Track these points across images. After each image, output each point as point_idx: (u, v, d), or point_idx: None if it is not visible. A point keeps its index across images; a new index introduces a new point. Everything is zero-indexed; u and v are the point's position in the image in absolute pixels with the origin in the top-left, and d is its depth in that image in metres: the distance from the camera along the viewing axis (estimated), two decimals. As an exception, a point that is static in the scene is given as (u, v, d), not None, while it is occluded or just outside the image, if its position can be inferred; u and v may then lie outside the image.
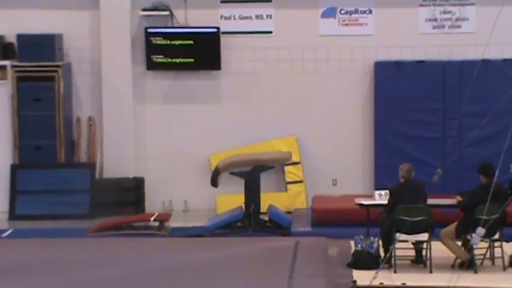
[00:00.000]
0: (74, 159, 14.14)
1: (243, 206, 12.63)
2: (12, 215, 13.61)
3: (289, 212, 13.41)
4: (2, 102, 13.81)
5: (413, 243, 10.79)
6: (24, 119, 13.73)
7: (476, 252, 10.47)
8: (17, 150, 13.81)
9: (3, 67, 13.76)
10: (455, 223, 10.64)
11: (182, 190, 14.05)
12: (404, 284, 9.96)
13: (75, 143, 14.18)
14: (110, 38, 13.80)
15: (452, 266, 10.63)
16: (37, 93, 13.71)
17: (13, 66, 13.71)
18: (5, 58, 13.77)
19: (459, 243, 10.67)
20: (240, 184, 12.77)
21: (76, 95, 14.14)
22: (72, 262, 10.40)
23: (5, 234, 12.68)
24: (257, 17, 14.05)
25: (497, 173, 9.38)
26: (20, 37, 13.71)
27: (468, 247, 10.40)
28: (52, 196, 13.64)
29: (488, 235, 10.16)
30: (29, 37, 13.64)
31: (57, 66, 13.69)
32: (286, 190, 14.01)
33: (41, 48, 13.57)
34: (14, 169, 13.76)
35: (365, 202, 11.40)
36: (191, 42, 13.85)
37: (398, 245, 10.50)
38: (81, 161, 14.14)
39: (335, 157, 14.03)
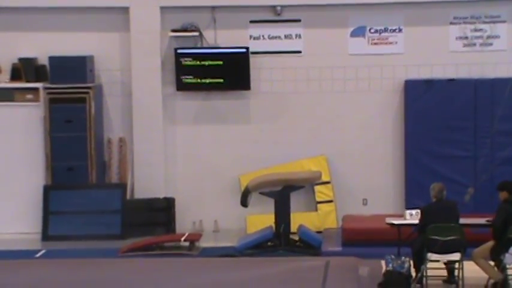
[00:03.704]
0: (105, 180, 14.23)
1: (273, 225, 12.62)
2: (45, 236, 13.72)
3: (319, 232, 13.38)
4: (34, 123, 13.96)
5: (445, 263, 10.71)
6: (56, 141, 13.86)
7: (509, 272, 10.34)
8: (49, 172, 13.94)
9: (36, 89, 13.92)
10: (488, 243, 10.53)
11: (212, 210, 14.07)
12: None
13: (106, 164, 14.28)
14: (140, 60, 13.91)
15: (485, 287, 10.52)
16: (69, 115, 13.84)
17: (45, 88, 13.87)
18: (37, 80, 13.93)
19: (492, 263, 10.56)
20: (270, 204, 12.77)
21: (107, 116, 14.25)
22: (104, 282, 10.44)
23: (38, 255, 12.79)
24: (286, 36, 14.08)
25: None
26: (52, 59, 13.87)
27: (501, 267, 10.29)
28: (84, 217, 13.73)
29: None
30: (60, 59, 13.79)
31: (89, 87, 13.82)
32: (316, 210, 13.98)
33: (73, 70, 13.71)
34: (47, 190, 13.88)
35: (396, 222, 11.34)
36: (220, 62, 13.91)
37: (429, 265, 10.43)
38: (112, 181, 14.23)
39: (365, 176, 13.98)
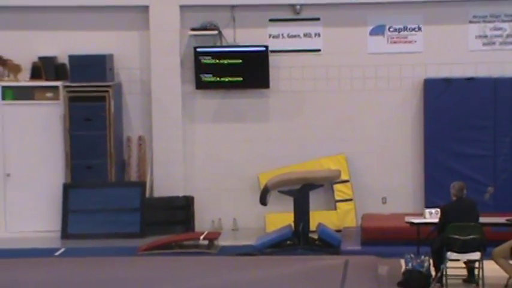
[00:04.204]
0: (125, 179, 14.28)
1: (292, 224, 12.61)
2: (65, 234, 13.77)
3: (338, 231, 13.35)
4: (54, 122, 14.03)
5: (465, 262, 10.67)
6: (76, 139, 13.91)
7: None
8: (69, 170, 13.99)
9: (56, 88, 13.98)
10: (508, 242, 10.49)
11: (231, 208, 14.09)
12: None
13: (126, 162, 14.32)
14: (160, 58, 13.94)
15: (506, 286, 10.48)
16: (88, 113, 13.89)
17: (65, 87, 13.93)
18: (57, 79, 13.99)
19: (512, 262, 10.53)
20: (289, 202, 12.76)
21: (126, 114, 14.30)
22: (123, 281, 10.48)
23: (58, 253, 12.85)
24: (305, 35, 14.08)
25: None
26: (72, 58, 13.92)
27: (521, 266, 10.25)
28: (103, 215, 13.78)
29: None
30: (80, 58, 13.84)
31: (108, 86, 13.86)
32: (335, 208, 13.96)
33: (92, 68, 13.75)
34: (66, 188, 13.93)
35: (415, 220, 11.32)
36: (240, 61, 13.92)
37: (449, 264, 10.41)
38: (132, 180, 14.27)
39: (384, 175, 13.95)
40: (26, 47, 14.05)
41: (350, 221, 13.86)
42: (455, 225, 10.37)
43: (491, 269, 10.48)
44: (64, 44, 14.04)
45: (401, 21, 13.96)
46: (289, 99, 14.09)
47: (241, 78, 13.97)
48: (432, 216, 11.15)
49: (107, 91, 13.86)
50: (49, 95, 14.04)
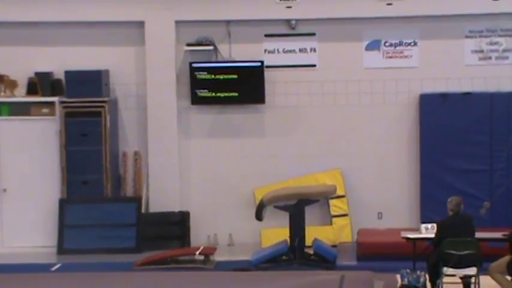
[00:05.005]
0: (120, 194, 14.27)
1: (288, 239, 12.59)
2: (61, 249, 13.76)
3: (334, 246, 13.35)
4: (50, 137, 14.03)
5: (461, 278, 10.65)
6: (72, 154, 13.92)
7: (525, 286, 10.29)
8: (65, 185, 13.98)
9: (52, 103, 14.00)
10: (505, 257, 10.47)
11: (227, 224, 14.07)
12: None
13: (122, 177, 14.31)
14: (155, 73, 13.96)
15: (502, 301, 10.47)
16: (84, 129, 13.90)
17: (61, 102, 13.94)
18: (53, 94, 14.01)
19: (508, 277, 10.49)
20: (284, 218, 12.74)
21: (122, 129, 14.30)
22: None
23: (54, 268, 12.82)
24: (301, 50, 14.10)
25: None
26: (68, 73, 13.95)
27: (517, 281, 10.23)
28: (99, 230, 13.77)
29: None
30: (76, 73, 13.87)
31: (104, 101, 13.88)
32: (331, 223, 13.95)
33: (88, 84, 13.78)
34: (62, 204, 13.92)
35: (411, 235, 11.30)
36: (235, 76, 13.94)
37: (445, 279, 10.38)
38: (128, 195, 14.26)
39: (380, 190, 13.94)
40: (22, 62, 14.07)
41: (346, 236, 13.84)
42: (452, 241, 10.36)
43: (487, 284, 10.46)
44: (60, 59, 14.06)
45: (397, 36, 13.99)
46: (285, 114, 14.10)
47: (236, 94, 13.97)
48: (428, 231, 11.14)
49: (103, 106, 13.87)
50: (45, 110, 14.05)
